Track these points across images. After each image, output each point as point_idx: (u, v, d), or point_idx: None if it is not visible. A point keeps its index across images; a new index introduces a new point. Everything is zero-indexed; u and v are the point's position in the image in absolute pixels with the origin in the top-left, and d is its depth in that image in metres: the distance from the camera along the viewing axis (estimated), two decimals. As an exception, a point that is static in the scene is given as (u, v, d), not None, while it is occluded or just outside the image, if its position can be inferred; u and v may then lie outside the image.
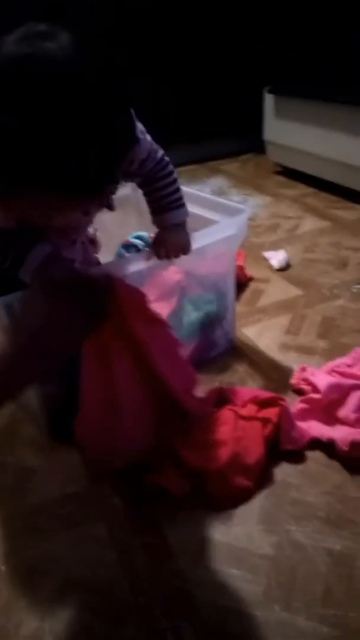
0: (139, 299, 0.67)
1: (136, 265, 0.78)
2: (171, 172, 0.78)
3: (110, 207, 0.71)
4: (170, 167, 0.77)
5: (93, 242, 0.90)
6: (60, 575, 0.63)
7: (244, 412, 0.80)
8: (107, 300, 0.61)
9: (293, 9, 1.77)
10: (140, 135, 0.70)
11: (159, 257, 0.78)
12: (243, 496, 0.71)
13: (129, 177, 0.75)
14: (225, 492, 0.70)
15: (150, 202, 0.80)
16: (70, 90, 0.44)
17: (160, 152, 0.76)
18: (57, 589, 0.61)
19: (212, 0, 2.06)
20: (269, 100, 1.98)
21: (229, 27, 2.13)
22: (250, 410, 0.80)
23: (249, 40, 2.12)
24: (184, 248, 0.79)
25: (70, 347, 0.59)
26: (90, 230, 0.88)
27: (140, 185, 0.79)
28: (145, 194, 0.80)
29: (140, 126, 0.70)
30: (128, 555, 0.65)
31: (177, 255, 0.79)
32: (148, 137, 0.73)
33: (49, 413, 0.82)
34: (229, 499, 0.70)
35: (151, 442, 0.74)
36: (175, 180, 0.78)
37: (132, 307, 0.66)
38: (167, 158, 0.77)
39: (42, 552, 0.66)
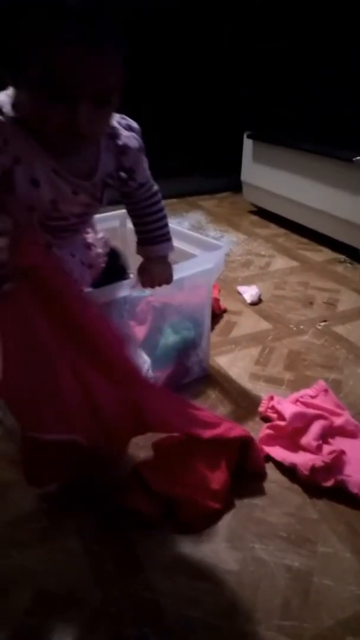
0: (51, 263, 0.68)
1: (123, 292, 0.84)
2: (162, 208, 0.85)
3: (101, 201, 0.78)
4: (162, 203, 0.85)
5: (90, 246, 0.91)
6: (34, 586, 0.65)
7: (208, 436, 0.84)
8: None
9: (276, 61, 1.92)
10: (143, 158, 0.79)
11: (144, 285, 0.84)
12: (212, 518, 0.75)
13: (122, 181, 0.78)
14: (196, 516, 0.74)
15: (139, 233, 0.86)
16: None
17: (155, 187, 0.83)
18: (31, 599, 0.64)
19: (200, 44, 2.20)
20: (247, 144, 2.11)
21: (215, 73, 2.27)
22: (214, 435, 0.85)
23: (233, 86, 2.26)
24: (167, 278, 0.86)
25: None
26: (93, 235, 0.92)
27: (133, 216, 0.86)
28: (135, 225, 0.86)
29: (145, 159, 0.79)
30: (100, 567, 0.68)
31: (160, 285, 0.85)
32: (148, 172, 0.81)
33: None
34: (199, 521, 0.74)
35: (106, 422, 0.72)
36: (165, 216, 0.85)
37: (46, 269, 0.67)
38: (160, 195, 0.84)
39: (17, 564, 0.68)
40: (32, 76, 0.57)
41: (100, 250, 0.92)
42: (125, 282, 0.86)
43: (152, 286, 0.84)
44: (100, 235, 0.93)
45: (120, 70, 0.60)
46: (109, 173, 0.75)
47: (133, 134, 0.76)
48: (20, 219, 0.72)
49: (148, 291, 0.93)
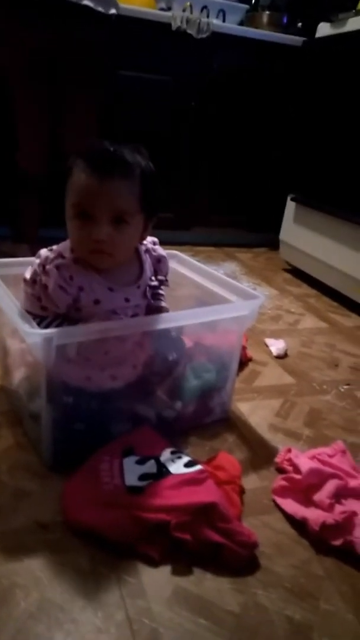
0: None
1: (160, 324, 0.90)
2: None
3: (147, 297, 0.96)
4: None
5: None
6: (39, 595, 0.67)
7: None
8: None
9: (324, 134, 2.03)
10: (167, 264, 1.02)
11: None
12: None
13: (160, 281, 1.00)
14: (236, 560, 0.75)
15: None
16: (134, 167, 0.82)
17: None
18: (35, 606, 0.65)
19: (254, 113, 2.34)
20: (290, 206, 2.20)
21: (268, 138, 2.41)
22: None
23: (283, 150, 2.39)
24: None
25: None
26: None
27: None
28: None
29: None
30: (104, 588, 0.69)
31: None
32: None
33: (53, 441, 0.88)
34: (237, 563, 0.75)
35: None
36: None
37: None
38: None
39: (26, 570, 0.70)
40: (69, 203, 0.82)
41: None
42: (163, 314, 0.92)
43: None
44: None
45: (130, 199, 0.82)
46: (150, 277, 0.96)
47: (160, 247, 0.99)
48: None
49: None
